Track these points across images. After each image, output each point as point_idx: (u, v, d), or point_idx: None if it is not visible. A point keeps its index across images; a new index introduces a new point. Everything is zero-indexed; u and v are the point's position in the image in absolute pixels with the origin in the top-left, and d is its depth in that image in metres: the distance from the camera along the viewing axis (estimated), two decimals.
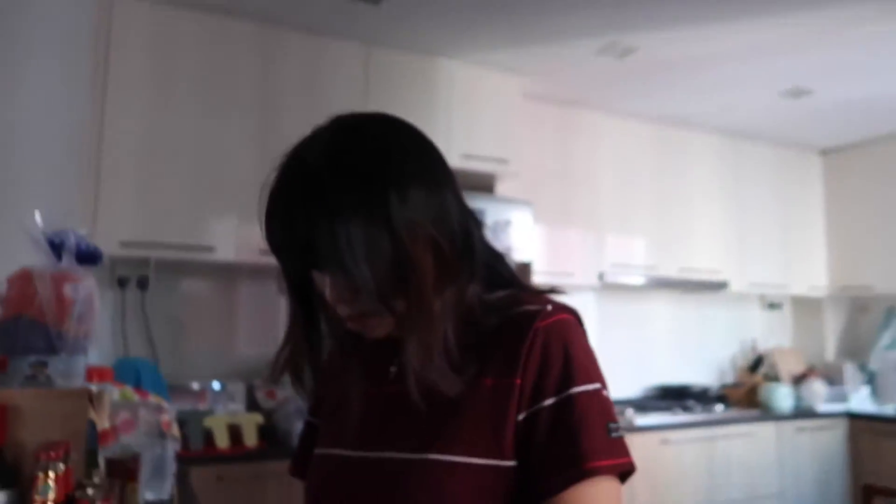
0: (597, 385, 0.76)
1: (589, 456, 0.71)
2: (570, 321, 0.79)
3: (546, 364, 0.75)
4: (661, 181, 4.00)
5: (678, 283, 4.05)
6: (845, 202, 4.55)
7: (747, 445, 3.73)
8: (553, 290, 0.86)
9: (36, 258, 1.22)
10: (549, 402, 0.74)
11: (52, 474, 0.90)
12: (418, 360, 0.74)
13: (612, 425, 0.74)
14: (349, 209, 0.73)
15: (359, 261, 0.73)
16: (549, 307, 0.78)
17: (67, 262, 1.23)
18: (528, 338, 0.76)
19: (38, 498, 0.89)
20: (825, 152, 4.67)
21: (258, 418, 2.69)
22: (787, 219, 4.48)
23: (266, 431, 2.71)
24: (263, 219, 0.78)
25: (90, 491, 0.95)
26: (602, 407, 0.75)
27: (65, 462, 0.93)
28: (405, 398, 0.76)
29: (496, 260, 0.87)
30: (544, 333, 0.76)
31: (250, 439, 2.62)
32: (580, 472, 0.71)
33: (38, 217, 1.23)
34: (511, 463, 0.74)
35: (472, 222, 0.84)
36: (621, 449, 0.74)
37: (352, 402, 0.85)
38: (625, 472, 0.74)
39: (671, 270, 3.96)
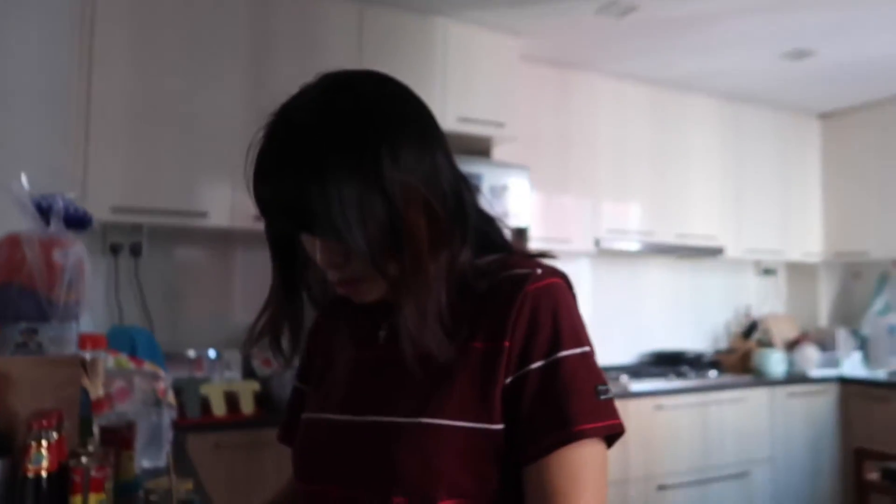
0: (585, 348, 0.75)
1: (576, 419, 0.71)
2: (560, 285, 0.78)
3: (534, 327, 0.74)
4: (658, 145, 3.96)
5: (674, 249, 4.04)
6: (842, 167, 4.52)
7: (740, 410, 3.76)
8: (544, 255, 0.85)
9: (23, 223, 1.19)
10: (536, 365, 0.73)
11: (44, 443, 0.88)
12: (414, 325, 0.73)
13: (602, 387, 0.74)
14: (341, 170, 0.71)
15: (352, 224, 0.71)
16: (539, 271, 0.78)
17: (56, 226, 1.20)
18: (518, 301, 0.75)
19: (31, 467, 0.88)
20: (824, 116, 4.63)
21: (255, 386, 2.68)
22: (784, 184, 4.45)
23: (262, 399, 2.70)
24: (251, 180, 0.76)
25: (84, 459, 0.93)
26: (590, 370, 0.75)
27: (58, 430, 0.91)
28: (394, 362, 0.76)
29: (488, 224, 0.86)
30: (533, 297, 0.75)
31: (247, 407, 2.62)
32: (567, 434, 0.71)
33: (24, 180, 1.19)
34: (499, 426, 0.73)
35: (464, 185, 0.83)
36: (610, 411, 0.73)
37: (339, 366, 0.85)
38: (614, 434, 0.74)
39: (667, 236, 3.94)
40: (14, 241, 1.18)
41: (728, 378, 3.86)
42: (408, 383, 0.76)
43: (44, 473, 0.88)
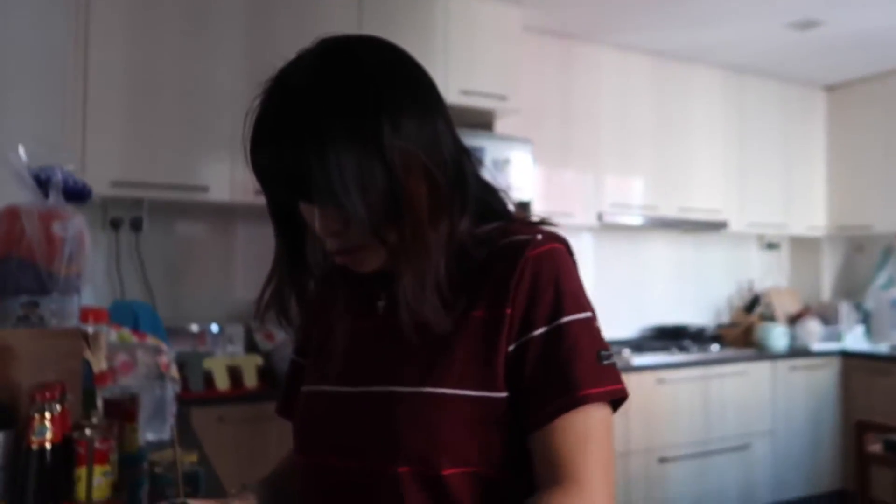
0: (587, 314, 0.75)
1: (580, 384, 0.71)
2: (560, 250, 0.78)
3: (536, 293, 0.74)
4: (662, 118, 3.92)
5: (677, 224, 4.02)
6: (847, 140, 4.48)
7: (741, 384, 3.77)
8: (543, 222, 0.84)
9: (21, 195, 1.17)
10: (539, 331, 0.73)
11: (48, 415, 0.88)
12: (412, 295, 0.73)
13: (604, 353, 0.74)
14: (340, 136, 0.70)
15: (351, 191, 0.70)
16: (540, 236, 0.77)
17: (55, 199, 1.19)
18: (519, 267, 0.74)
19: (34, 439, 0.87)
20: (829, 88, 4.58)
21: (257, 360, 2.69)
22: (789, 157, 4.41)
23: (265, 373, 2.71)
24: (248, 147, 0.74)
25: (88, 431, 0.93)
26: (593, 335, 0.74)
27: (61, 403, 0.90)
28: (393, 333, 0.76)
29: (489, 193, 0.85)
30: (534, 262, 0.75)
31: (250, 381, 2.62)
32: (573, 399, 0.70)
33: (21, 152, 1.17)
34: (503, 394, 0.73)
35: (464, 154, 0.82)
36: (613, 376, 0.73)
37: (338, 337, 0.84)
38: (617, 399, 0.74)
39: (670, 210, 3.92)
40: (13, 214, 1.16)
41: (730, 352, 3.86)
42: (408, 353, 0.76)
43: (48, 445, 0.88)
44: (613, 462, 0.73)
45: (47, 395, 0.89)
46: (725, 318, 4.43)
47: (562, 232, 0.83)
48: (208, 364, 2.59)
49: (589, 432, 0.71)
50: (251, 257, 3.04)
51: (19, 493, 0.87)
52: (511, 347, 0.74)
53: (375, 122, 0.71)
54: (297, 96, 0.72)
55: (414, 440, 0.72)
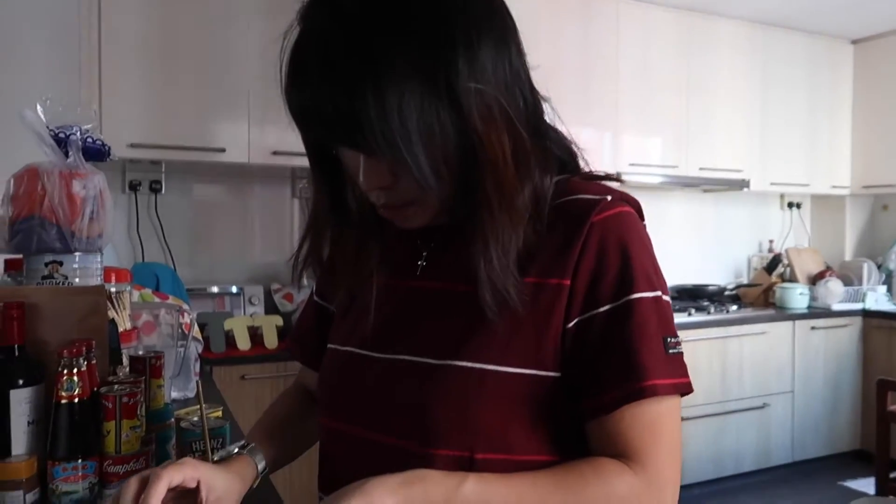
0: (657, 292, 0.66)
1: (648, 372, 0.62)
2: (630, 214, 0.68)
3: (602, 264, 0.64)
4: (683, 74, 3.82)
5: (698, 182, 3.95)
6: (874, 95, 4.35)
7: (761, 344, 3.75)
8: (608, 177, 0.74)
9: (39, 154, 1.17)
10: (604, 308, 0.64)
11: (76, 370, 0.89)
12: (500, 268, 0.63)
13: (671, 340, 0.65)
14: (403, 70, 0.57)
15: (413, 141, 0.58)
16: (609, 197, 0.67)
17: (74, 157, 1.18)
18: (583, 233, 0.65)
19: (63, 394, 0.89)
20: (857, 42, 4.43)
21: (278, 320, 2.71)
22: (813, 114, 4.30)
23: (285, 333, 2.73)
24: (285, 82, 0.62)
25: (116, 387, 0.94)
26: (661, 318, 0.65)
27: (87, 359, 0.91)
28: (431, 296, 0.69)
29: (557, 143, 0.75)
30: (601, 228, 0.65)
31: (270, 341, 2.65)
32: (640, 388, 0.62)
33: (39, 110, 1.16)
34: (552, 374, 0.65)
35: (537, 95, 0.70)
36: (680, 367, 0.65)
37: (370, 295, 0.75)
38: (683, 392, 0.66)
39: (691, 169, 3.86)
40: (33, 174, 1.16)
41: (750, 312, 3.84)
42: (446, 321, 0.68)
43: (76, 400, 0.89)
44: (680, 452, 0.66)
45: (74, 350, 0.89)
46: (746, 278, 4.39)
47: (621, 180, 0.74)
48: (229, 325, 2.61)
49: (659, 422, 0.64)
50: (269, 218, 3.05)
51: (51, 446, 0.89)
52: (571, 324, 0.65)
53: (448, 55, 0.58)
54: (348, 18, 0.59)
55: (444, 419, 0.64)
